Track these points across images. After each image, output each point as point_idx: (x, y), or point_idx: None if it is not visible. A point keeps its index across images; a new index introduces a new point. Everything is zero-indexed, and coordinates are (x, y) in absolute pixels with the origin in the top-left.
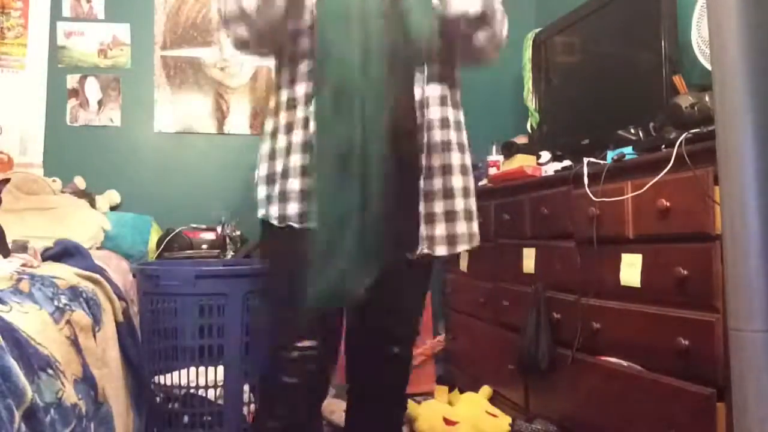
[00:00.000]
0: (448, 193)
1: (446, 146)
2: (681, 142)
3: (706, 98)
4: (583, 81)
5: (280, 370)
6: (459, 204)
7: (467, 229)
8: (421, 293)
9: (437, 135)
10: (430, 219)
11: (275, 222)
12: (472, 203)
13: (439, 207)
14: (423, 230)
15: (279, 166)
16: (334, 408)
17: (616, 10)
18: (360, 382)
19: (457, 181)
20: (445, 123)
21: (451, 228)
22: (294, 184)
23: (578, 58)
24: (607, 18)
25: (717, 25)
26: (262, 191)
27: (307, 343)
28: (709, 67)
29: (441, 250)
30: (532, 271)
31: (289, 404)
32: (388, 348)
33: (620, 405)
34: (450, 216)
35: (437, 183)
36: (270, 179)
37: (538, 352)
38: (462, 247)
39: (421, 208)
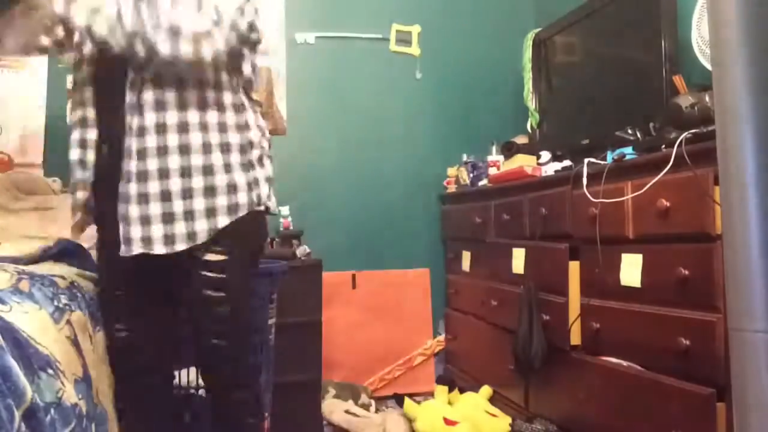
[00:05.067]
0: (165, 196)
1: (162, 150)
2: (681, 142)
3: (706, 98)
4: (583, 81)
5: None
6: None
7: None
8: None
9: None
10: (146, 220)
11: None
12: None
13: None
14: (138, 232)
15: None
16: (334, 408)
17: (616, 10)
18: None
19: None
20: (161, 128)
21: (169, 228)
22: None
23: (578, 58)
24: (607, 18)
25: (717, 25)
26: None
27: None
28: (709, 67)
29: (159, 249)
30: (522, 272)
31: None
32: None
33: (620, 405)
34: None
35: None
36: None
37: (531, 350)
38: (180, 246)
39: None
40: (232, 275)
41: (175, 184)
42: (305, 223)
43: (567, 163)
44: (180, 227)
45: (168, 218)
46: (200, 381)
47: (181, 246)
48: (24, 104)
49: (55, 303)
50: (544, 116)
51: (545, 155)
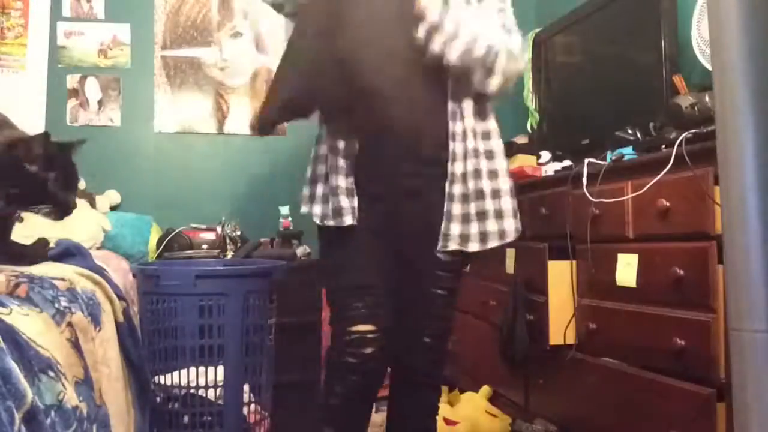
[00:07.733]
0: (479, 195)
1: (475, 153)
2: (681, 142)
3: (706, 98)
4: (583, 81)
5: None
6: (489, 204)
7: (497, 226)
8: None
9: (466, 144)
10: (466, 219)
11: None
12: (503, 203)
13: (472, 208)
14: (457, 228)
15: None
16: None
17: (616, 10)
18: (399, 370)
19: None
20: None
21: (482, 226)
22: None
23: (578, 58)
24: (607, 18)
25: (717, 25)
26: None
27: (363, 327)
28: (709, 67)
29: (474, 246)
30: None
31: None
32: (421, 339)
33: (620, 405)
34: (481, 216)
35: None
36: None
37: (514, 346)
38: (492, 243)
39: (455, 209)
40: (456, 277)
41: (487, 185)
42: (305, 223)
43: (567, 163)
44: (492, 225)
45: (482, 216)
46: (200, 381)
47: (493, 243)
48: (24, 104)
49: (56, 305)
50: (544, 116)
51: (545, 155)
